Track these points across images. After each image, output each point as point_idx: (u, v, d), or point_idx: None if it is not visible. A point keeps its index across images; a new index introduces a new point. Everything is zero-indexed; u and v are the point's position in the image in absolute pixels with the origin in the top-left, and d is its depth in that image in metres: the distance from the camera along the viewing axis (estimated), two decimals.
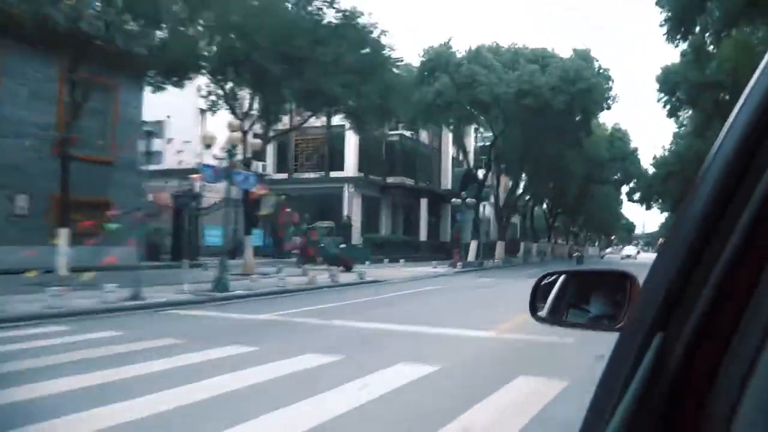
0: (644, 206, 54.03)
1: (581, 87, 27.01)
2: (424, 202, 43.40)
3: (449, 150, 47.73)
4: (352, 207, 37.88)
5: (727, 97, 34.35)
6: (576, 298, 1.51)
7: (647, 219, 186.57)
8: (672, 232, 0.67)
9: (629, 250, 70.83)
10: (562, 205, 56.29)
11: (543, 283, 1.65)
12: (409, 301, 13.66)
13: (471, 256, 33.05)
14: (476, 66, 26.81)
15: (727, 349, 0.55)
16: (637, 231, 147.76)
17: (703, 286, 0.57)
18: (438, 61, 28.28)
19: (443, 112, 27.60)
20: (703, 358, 0.57)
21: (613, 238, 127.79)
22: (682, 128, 45.10)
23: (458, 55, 28.43)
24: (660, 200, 49.74)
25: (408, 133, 41.89)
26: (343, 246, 24.97)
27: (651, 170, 47.43)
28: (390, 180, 40.80)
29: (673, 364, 0.58)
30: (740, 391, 0.51)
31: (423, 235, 42.84)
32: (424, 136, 45.38)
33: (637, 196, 53.24)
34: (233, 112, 19.59)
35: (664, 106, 34.82)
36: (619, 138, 50.77)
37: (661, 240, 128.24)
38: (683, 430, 0.56)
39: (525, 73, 27.09)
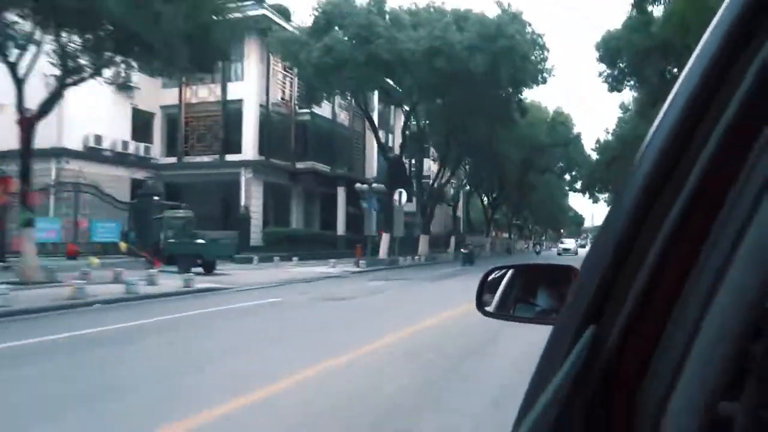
0: (587, 196, 50.08)
1: (503, 45, 22.02)
2: (341, 192, 38.00)
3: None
4: (250, 195, 32.25)
5: (674, 70, 30.33)
6: (523, 293, 1.51)
7: (597, 212, 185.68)
8: (605, 223, 0.65)
9: (568, 243, 58.39)
10: (503, 196, 52.02)
11: (491, 277, 1.61)
12: (157, 339, 8.30)
13: (383, 252, 28.03)
14: (376, 17, 21.59)
15: (658, 342, 0.55)
16: (587, 224, 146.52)
17: (635, 278, 0.57)
18: (333, 14, 22.97)
19: (337, 72, 22.12)
20: (634, 350, 0.56)
21: (562, 231, 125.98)
22: (627, 113, 41.32)
23: (359, 7, 23.17)
24: (602, 189, 45.78)
25: (321, 112, 36.56)
26: (201, 241, 19.46)
27: (594, 157, 43.49)
28: (300, 165, 35.30)
29: (604, 357, 0.57)
30: (671, 384, 0.51)
31: (341, 228, 37.42)
32: (343, 116, 40.11)
33: (579, 185, 49.24)
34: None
35: (605, 80, 30.62)
36: (561, 122, 46.57)
37: None
38: (613, 423, 0.56)
39: (437, 28, 22.00)
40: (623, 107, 42.77)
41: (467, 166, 42.71)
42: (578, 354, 0.57)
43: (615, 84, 29.15)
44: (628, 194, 0.60)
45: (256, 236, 32.15)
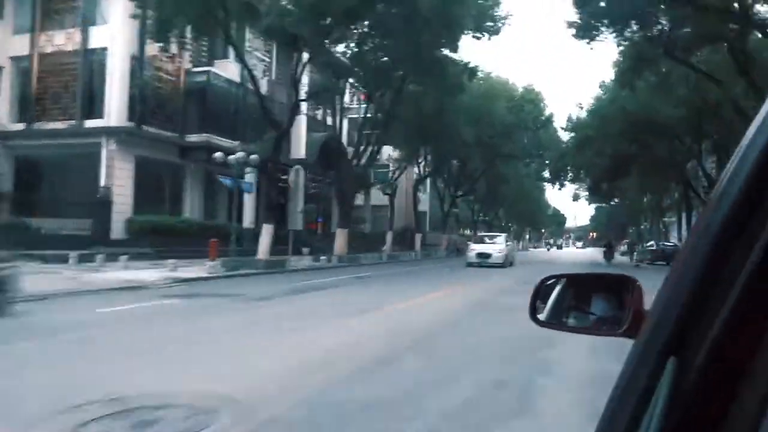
0: (556, 185, 42.90)
1: None
2: (250, 176, 30.34)
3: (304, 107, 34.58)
4: (114, 173, 24.81)
5: (665, 27, 23.12)
6: (576, 301, 1.50)
7: (579, 211, 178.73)
8: (690, 242, 0.58)
9: (489, 245, 27.10)
10: (467, 186, 44.71)
11: (544, 285, 1.58)
12: None
13: (263, 251, 20.68)
14: None
15: (746, 376, 0.50)
16: (569, 224, 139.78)
17: (722, 306, 0.52)
18: None
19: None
20: (720, 385, 0.52)
21: (543, 231, 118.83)
22: (606, 93, 34.11)
23: None
24: (574, 178, 38.52)
25: (226, 74, 29.16)
26: None
27: (566, 138, 36.31)
28: (193, 138, 27.88)
29: (687, 393, 0.53)
30: (759, 418, 0.47)
31: (249, 219, 29.87)
32: (263, 84, 32.57)
33: (546, 173, 42.00)
34: None
35: (577, 32, 23.35)
36: (530, 100, 39.35)
37: (592, 234, 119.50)
38: None
39: None
40: (604, 87, 35.67)
41: (420, 148, 35.47)
42: (663, 395, 0.52)
43: (584, 32, 21.87)
44: (717, 213, 0.50)
45: (120, 226, 24.79)
